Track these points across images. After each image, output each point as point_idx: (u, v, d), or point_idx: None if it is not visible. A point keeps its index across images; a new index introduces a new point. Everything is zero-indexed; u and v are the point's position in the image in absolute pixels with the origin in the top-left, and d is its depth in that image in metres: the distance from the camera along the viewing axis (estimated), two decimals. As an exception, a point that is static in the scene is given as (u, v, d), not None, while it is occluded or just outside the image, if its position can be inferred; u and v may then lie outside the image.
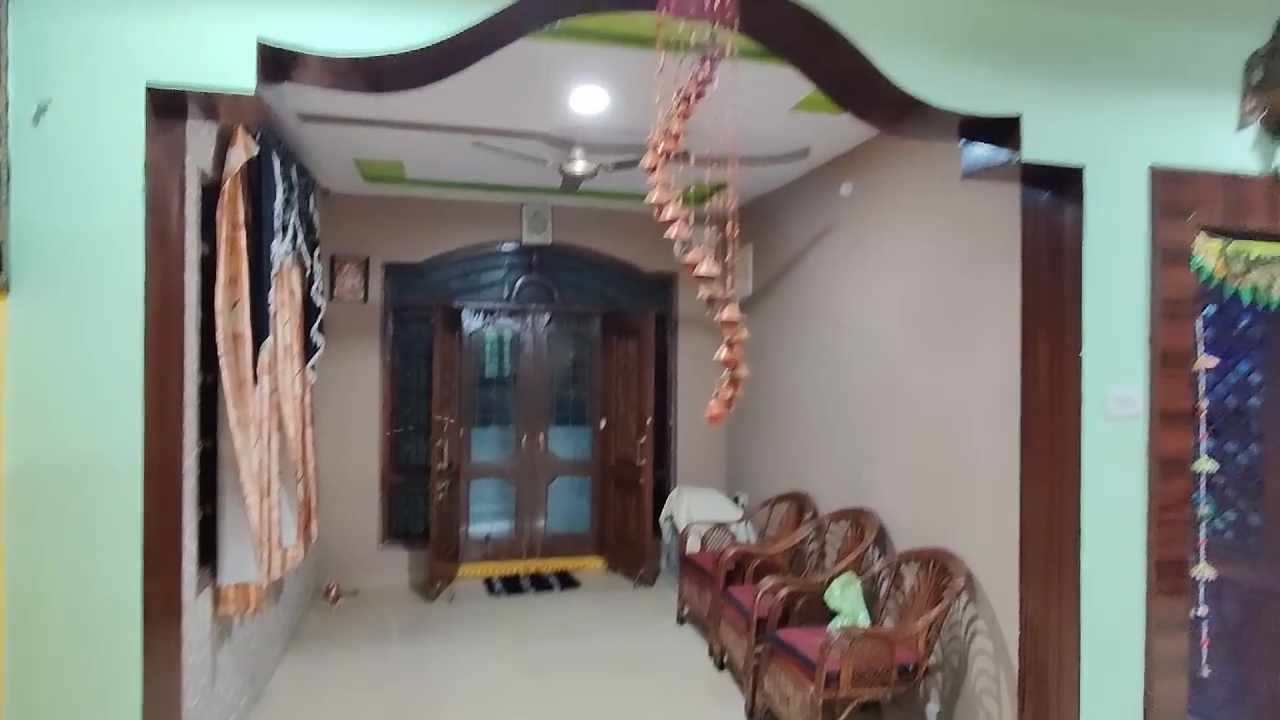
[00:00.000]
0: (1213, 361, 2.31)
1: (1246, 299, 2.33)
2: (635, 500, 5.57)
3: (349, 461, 5.39)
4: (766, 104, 3.37)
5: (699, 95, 1.86)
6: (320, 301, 4.34)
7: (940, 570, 3.14)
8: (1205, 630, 2.35)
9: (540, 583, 5.60)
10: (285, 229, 3.49)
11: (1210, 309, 2.76)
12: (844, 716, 2.90)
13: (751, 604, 3.49)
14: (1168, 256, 2.25)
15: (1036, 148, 2.14)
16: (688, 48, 1.90)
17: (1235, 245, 2.31)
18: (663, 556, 5.56)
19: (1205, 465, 2.31)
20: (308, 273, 4.07)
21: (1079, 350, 2.20)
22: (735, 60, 1.94)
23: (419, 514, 5.64)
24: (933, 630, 2.99)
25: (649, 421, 5.46)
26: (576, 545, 6.05)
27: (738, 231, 1.89)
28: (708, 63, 1.87)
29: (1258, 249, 2.34)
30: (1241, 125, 2.34)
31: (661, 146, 1.82)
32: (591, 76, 3.23)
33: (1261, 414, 2.72)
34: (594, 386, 6.13)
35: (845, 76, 2.15)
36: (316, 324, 4.25)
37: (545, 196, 5.50)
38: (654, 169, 1.80)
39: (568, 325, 6.14)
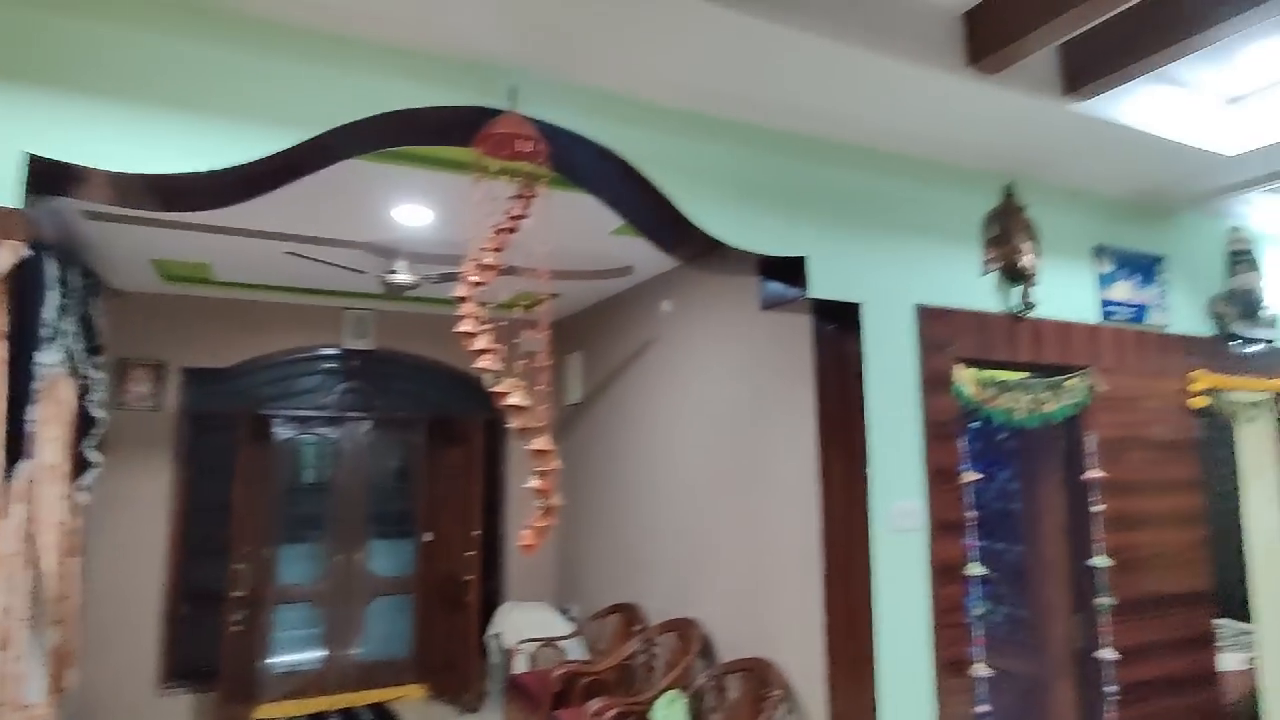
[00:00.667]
0: (977, 476, 2.61)
1: (999, 419, 2.68)
2: (462, 619, 5.26)
3: (127, 592, 4.71)
4: (586, 227, 3.54)
5: (512, 230, 1.92)
6: (99, 413, 3.88)
7: (760, 681, 3.20)
8: (988, 726, 2.55)
9: (352, 719, 5.08)
10: (57, 337, 3.12)
11: (974, 425, 3.14)
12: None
13: (578, 729, 3.36)
14: (933, 383, 2.55)
15: (821, 286, 2.40)
16: (506, 177, 1.98)
17: (987, 374, 2.68)
18: (490, 678, 5.26)
19: (975, 570, 2.57)
20: (85, 382, 3.64)
21: (865, 468, 2.41)
22: (549, 193, 2.04)
23: (211, 649, 4.98)
24: (755, 743, 3.02)
25: (477, 533, 5.26)
26: (395, 673, 5.57)
27: (556, 349, 1.93)
28: (521, 200, 1.95)
29: (1005, 376, 2.72)
30: (985, 271, 2.76)
31: (474, 278, 1.85)
32: (414, 195, 3.25)
33: (1021, 519, 3.08)
34: (419, 497, 5.84)
35: (653, 216, 2.32)
36: (93, 439, 3.78)
37: (368, 301, 5.35)
38: (465, 299, 1.82)
39: (391, 433, 5.88)
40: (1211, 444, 4.00)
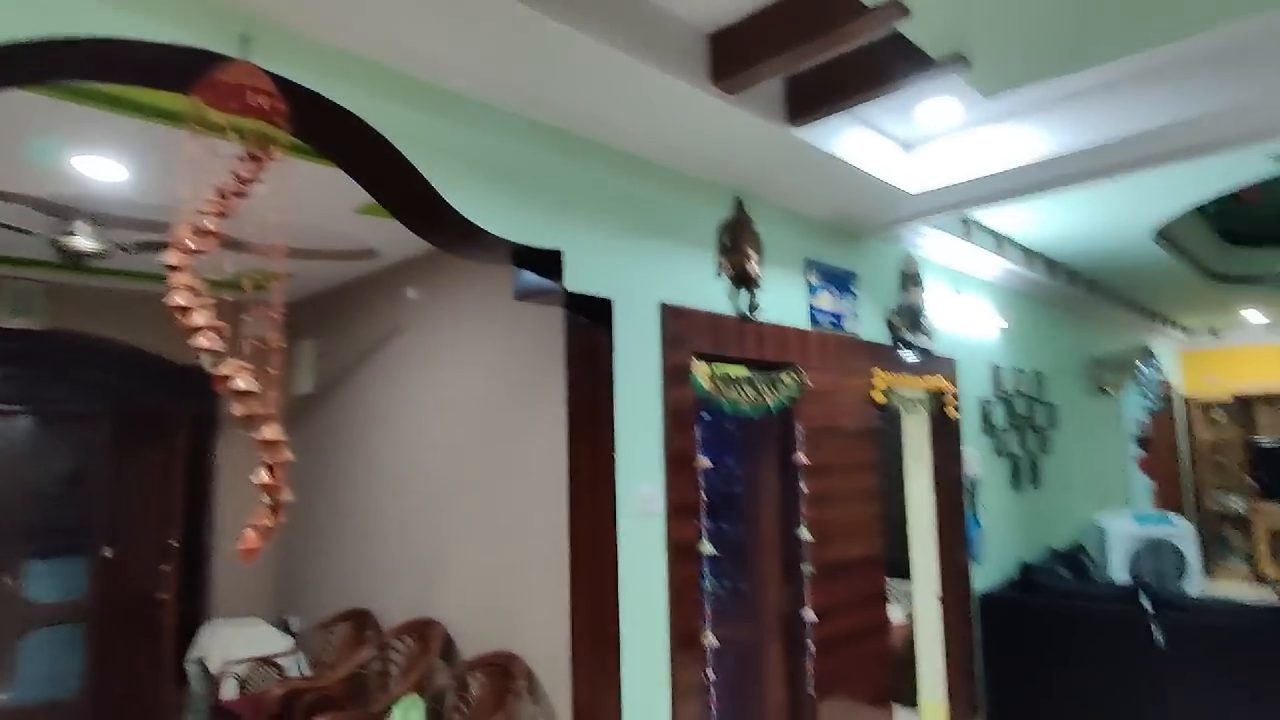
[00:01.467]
0: (708, 463, 2.84)
1: (728, 410, 2.95)
2: (152, 645, 4.55)
3: None
4: (327, 202, 3.26)
5: (240, 194, 1.70)
6: None
7: (504, 674, 3.19)
8: (714, 692, 2.79)
9: (-4, 781, 4.16)
10: None
11: (705, 415, 3.41)
12: None
13: (301, 751, 3.07)
14: (674, 376, 2.73)
15: (576, 279, 2.45)
16: (232, 135, 1.75)
17: (718, 367, 2.93)
18: (191, 711, 4.61)
19: (706, 549, 2.80)
20: None
21: (613, 456, 2.51)
22: (285, 159, 1.84)
23: None
24: (496, 738, 3.00)
25: (175, 544, 4.58)
26: (59, 719, 4.66)
27: (287, 334, 1.74)
28: (252, 162, 1.74)
29: (734, 371, 3.00)
30: (719, 276, 3.01)
31: (191, 245, 1.61)
32: (103, 144, 2.74)
33: (743, 500, 3.42)
34: (98, 505, 4.94)
35: (406, 195, 2.20)
36: None
37: (37, 272, 4.41)
38: (178, 269, 1.58)
39: (62, 429, 4.90)
40: (885, 432, 4.76)
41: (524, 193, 2.35)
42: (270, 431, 1.60)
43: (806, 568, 3.20)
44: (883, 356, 3.87)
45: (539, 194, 2.40)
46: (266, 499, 1.63)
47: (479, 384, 3.62)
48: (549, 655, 3.08)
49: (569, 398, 2.68)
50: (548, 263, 2.42)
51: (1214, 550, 8.74)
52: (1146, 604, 3.96)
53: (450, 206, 2.13)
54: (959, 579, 4.29)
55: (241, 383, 1.56)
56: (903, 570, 4.55)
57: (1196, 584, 5.82)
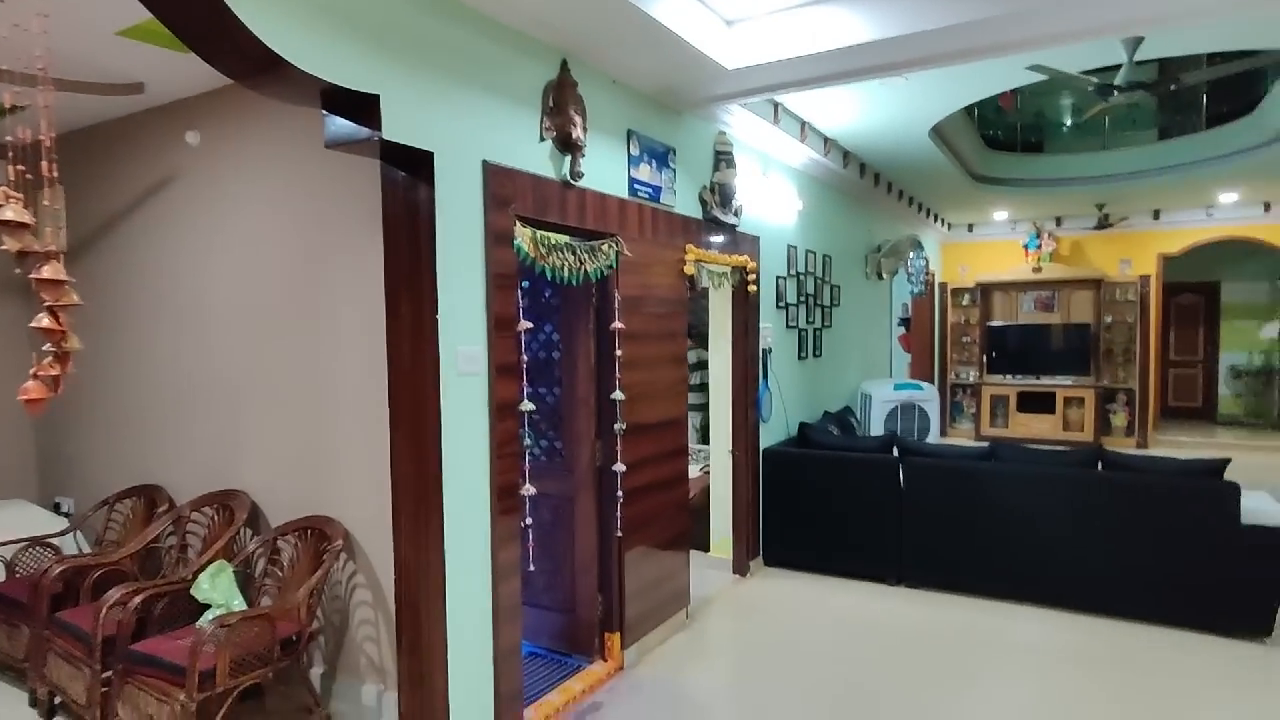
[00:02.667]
0: (529, 325, 2.92)
1: (548, 276, 3.01)
2: (-117, 534, 3.96)
3: None
4: (82, 20, 2.75)
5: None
6: None
7: (319, 536, 3.18)
8: (530, 536, 3.00)
9: None
10: None
11: (525, 283, 3.45)
12: (222, 713, 2.70)
13: (94, 625, 2.91)
14: (497, 238, 2.73)
15: (394, 128, 2.33)
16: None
17: (541, 233, 2.96)
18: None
19: (526, 406, 2.92)
20: None
21: (435, 315, 2.51)
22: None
23: None
24: (314, 596, 3.02)
25: (-98, 422, 3.93)
26: None
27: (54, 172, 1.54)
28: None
29: (555, 237, 3.04)
30: (543, 138, 2.98)
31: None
32: None
33: (561, 365, 3.55)
34: None
35: (193, 14, 1.93)
36: None
37: None
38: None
39: None
40: (694, 303, 5.07)
41: (338, 25, 2.16)
42: (51, 270, 1.44)
43: (619, 426, 3.44)
44: (694, 231, 4.08)
45: (355, 29, 2.21)
46: (50, 346, 1.48)
47: (283, 239, 3.36)
48: (367, 516, 3.10)
49: (386, 255, 2.60)
50: (363, 108, 2.27)
51: (951, 412, 10.41)
52: (896, 453, 4.72)
53: (249, 31, 1.92)
54: (749, 437, 4.81)
55: (10, 213, 1.37)
56: (703, 432, 5.02)
57: (935, 437, 6.95)
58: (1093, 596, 4.14)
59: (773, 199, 5.04)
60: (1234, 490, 3.82)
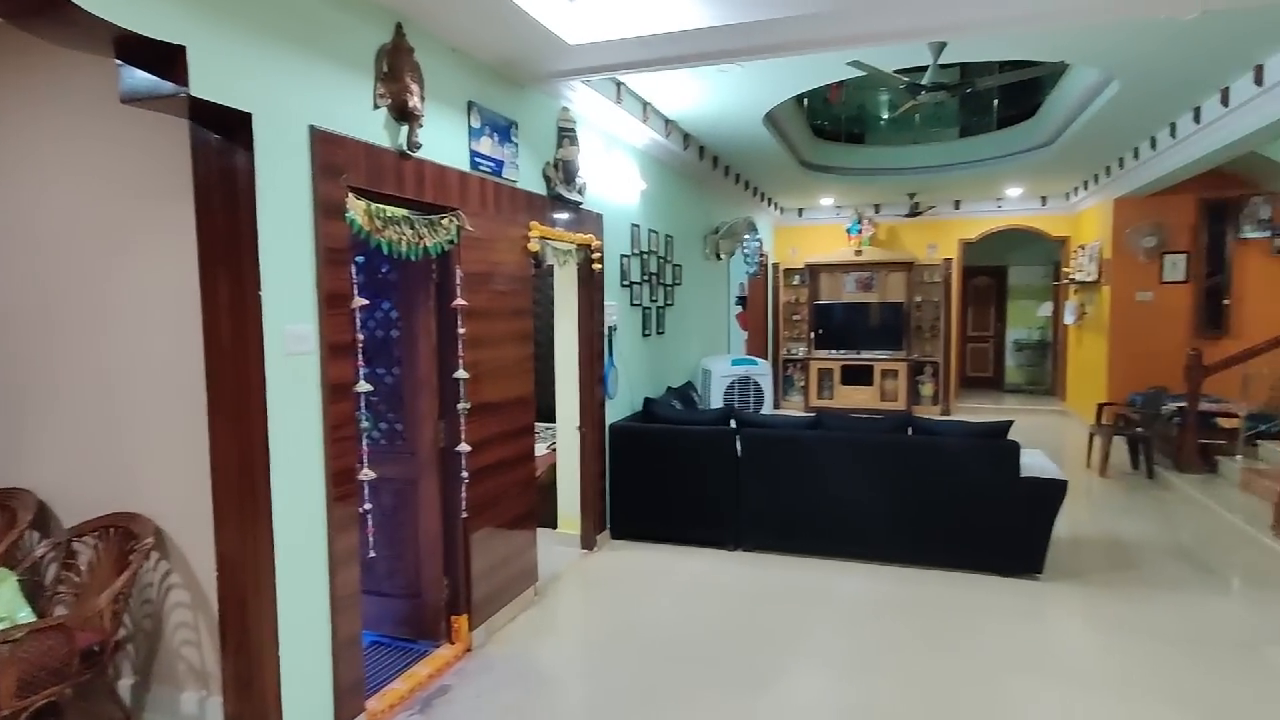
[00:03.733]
0: (364, 302, 2.78)
1: (385, 250, 2.88)
2: None
3: None
4: None
5: None
6: None
7: (124, 535, 2.87)
8: (370, 522, 2.88)
9: None
10: None
11: (360, 258, 3.28)
12: (9, 738, 2.39)
13: None
14: (327, 210, 2.57)
15: (205, 85, 2.12)
16: None
17: (376, 205, 2.82)
18: None
19: (363, 387, 2.79)
20: None
21: (258, 291, 2.33)
22: None
23: None
24: (119, 601, 2.73)
25: None
26: None
27: None
28: None
29: (392, 210, 2.91)
30: (377, 106, 2.83)
31: None
32: None
33: (400, 344, 3.42)
34: None
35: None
36: None
37: None
38: None
39: None
40: (539, 281, 5.04)
41: (130, -34, 1.93)
42: None
43: (463, 405, 3.37)
44: (539, 208, 4.05)
45: (152, -29, 1.98)
46: None
47: (72, 210, 2.97)
48: (182, 510, 2.84)
49: (199, 226, 2.37)
50: (167, 60, 2.04)
51: (784, 385, 11.09)
52: (733, 424, 4.97)
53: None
54: (596, 413, 4.88)
55: None
56: (549, 411, 5.02)
57: (770, 409, 7.38)
58: (903, 549, 4.60)
59: (616, 178, 5.10)
60: (1015, 448, 4.38)
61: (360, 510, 2.80)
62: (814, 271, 10.89)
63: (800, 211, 11.21)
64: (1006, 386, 12.75)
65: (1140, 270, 8.53)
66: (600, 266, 4.76)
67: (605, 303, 4.94)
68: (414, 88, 2.91)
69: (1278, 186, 7.82)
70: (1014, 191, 9.86)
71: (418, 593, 3.51)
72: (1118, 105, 5.68)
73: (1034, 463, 4.46)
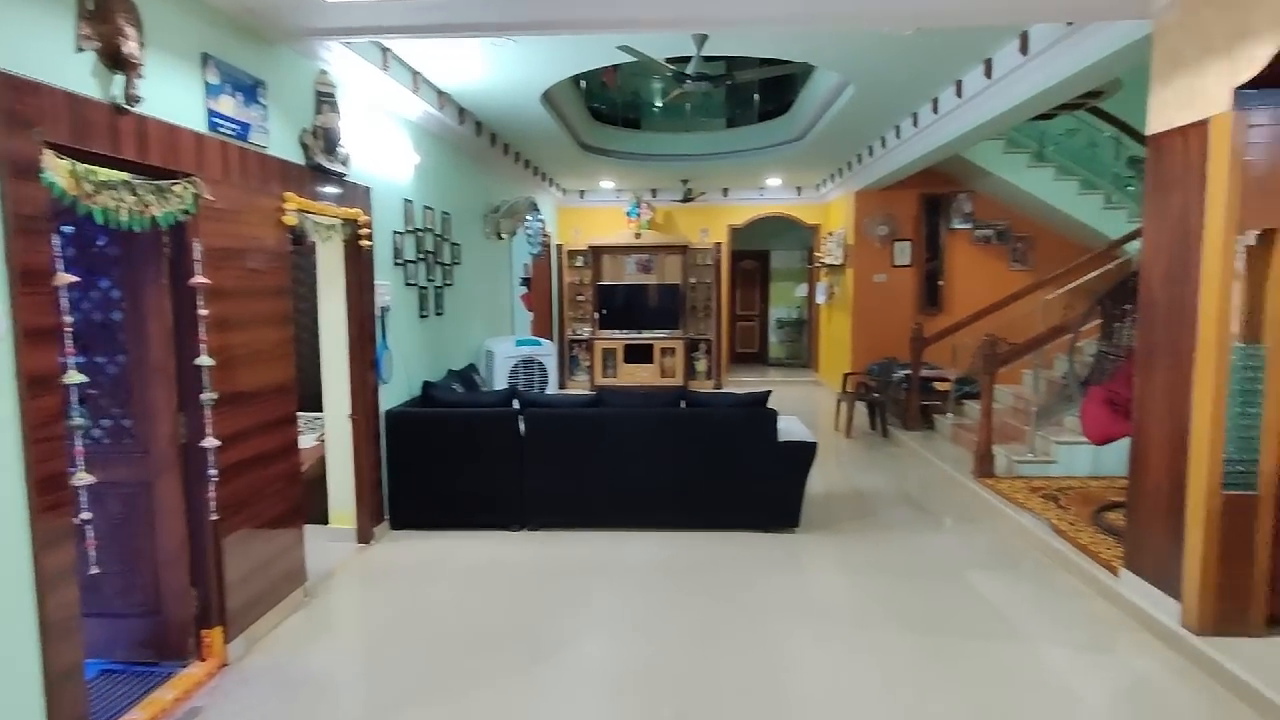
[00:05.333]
0: (73, 279, 2.38)
1: (99, 219, 2.48)
2: None
3: None
4: None
5: None
6: None
7: None
8: (90, 533, 2.49)
9: None
10: None
11: (69, 228, 2.81)
12: None
13: None
14: (17, 170, 2.16)
15: None
16: None
17: (85, 167, 2.41)
18: None
19: (75, 378, 2.40)
20: None
21: (-83, 265, 1.90)
22: None
23: None
24: None
25: None
26: None
27: None
28: None
29: (107, 173, 2.50)
30: (81, 49, 2.42)
31: None
32: None
33: (124, 327, 2.98)
34: None
35: None
36: None
37: None
38: None
39: None
40: (301, 259, 4.66)
41: None
42: None
43: (208, 396, 3.03)
44: (295, 178, 3.72)
45: None
46: None
47: None
48: None
49: None
50: None
51: (570, 365, 11.23)
52: (516, 405, 4.95)
53: None
54: (369, 399, 4.61)
55: None
56: (317, 399, 4.67)
57: (555, 389, 7.44)
58: (681, 515, 4.88)
59: (386, 150, 4.81)
60: (772, 415, 4.80)
61: (77, 521, 2.41)
62: (597, 253, 11.10)
63: (582, 193, 11.36)
64: (770, 360, 13.95)
65: (876, 255, 9.70)
66: (369, 244, 4.48)
67: (376, 282, 4.67)
68: (130, 31, 2.53)
69: (977, 184, 9.25)
70: (774, 181, 10.74)
71: (158, 609, 3.11)
72: (855, 106, 6.38)
73: (790, 428, 4.92)
